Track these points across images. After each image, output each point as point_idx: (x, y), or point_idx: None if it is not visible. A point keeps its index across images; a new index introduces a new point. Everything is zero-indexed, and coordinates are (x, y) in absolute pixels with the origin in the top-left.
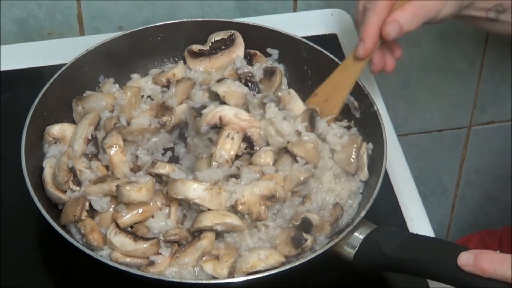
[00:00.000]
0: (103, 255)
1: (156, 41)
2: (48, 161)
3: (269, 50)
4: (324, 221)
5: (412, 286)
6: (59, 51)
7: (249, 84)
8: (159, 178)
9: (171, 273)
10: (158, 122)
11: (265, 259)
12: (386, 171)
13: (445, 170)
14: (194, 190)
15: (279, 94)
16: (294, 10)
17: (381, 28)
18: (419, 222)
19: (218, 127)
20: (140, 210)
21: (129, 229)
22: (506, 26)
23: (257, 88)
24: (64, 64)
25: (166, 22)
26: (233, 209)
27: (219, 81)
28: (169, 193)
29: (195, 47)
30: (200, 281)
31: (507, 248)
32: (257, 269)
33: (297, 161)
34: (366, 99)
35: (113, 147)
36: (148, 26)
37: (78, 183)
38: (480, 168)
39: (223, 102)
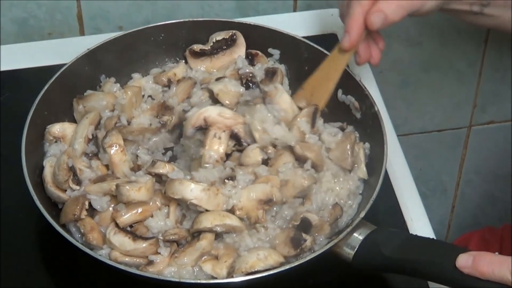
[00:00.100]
0: (102, 254)
1: (157, 40)
2: (49, 160)
3: (270, 50)
4: (324, 222)
5: (412, 286)
6: (59, 51)
7: (250, 84)
8: (159, 178)
9: (170, 273)
10: (159, 122)
11: (264, 259)
12: (386, 171)
13: (445, 170)
14: (192, 191)
15: (266, 89)
16: (294, 10)
17: (366, 18)
18: (419, 222)
19: (204, 128)
20: (140, 210)
21: (128, 228)
22: (490, 20)
23: (258, 89)
24: (64, 64)
25: (167, 22)
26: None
27: (218, 79)
28: (167, 192)
29: (197, 47)
30: (199, 281)
31: (508, 246)
32: (256, 269)
33: (298, 163)
34: (367, 99)
35: (113, 146)
36: (149, 26)
37: (78, 182)
38: (480, 168)
39: (216, 100)
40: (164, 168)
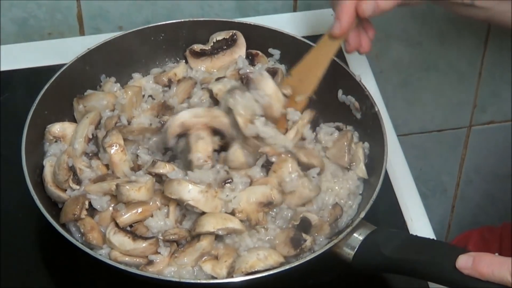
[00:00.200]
0: (102, 254)
1: (157, 40)
2: (49, 159)
3: (270, 50)
4: (324, 222)
5: (412, 286)
6: (59, 51)
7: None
8: (159, 178)
9: (170, 273)
10: (159, 122)
11: (264, 259)
12: (386, 171)
13: (445, 170)
14: (189, 192)
15: (251, 75)
16: (294, 10)
17: (357, 6)
18: (419, 222)
19: (184, 134)
20: (140, 210)
21: (128, 228)
22: (482, 12)
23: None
24: (64, 64)
25: (167, 22)
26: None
27: (218, 79)
28: (165, 192)
29: (197, 47)
30: (198, 281)
31: (507, 245)
32: (256, 269)
33: (302, 168)
34: (367, 100)
35: (113, 146)
36: (149, 26)
37: (78, 182)
38: (480, 168)
39: (216, 100)
40: (164, 168)
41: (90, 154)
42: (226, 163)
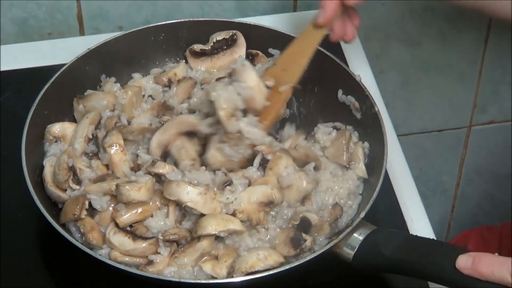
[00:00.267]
0: (102, 254)
1: (157, 40)
2: (49, 159)
3: (270, 50)
4: (324, 221)
5: (412, 286)
6: (59, 51)
7: None
8: (159, 178)
9: (170, 273)
10: (159, 122)
11: (264, 259)
12: (386, 171)
13: (445, 170)
14: (188, 194)
15: (233, 66)
16: (294, 10)
17: None
18: (419, 222)
19: (166, 152)
20: (139, 210)
21: (128, 228)
22: (476, 4)
23: None
24: (64, 64)
25: (167, 22)
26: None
27: (218, 79)
28: (164, 193)
29: (197, 47)
30: (198, 281)
31: (507, 244)
32: (256, 269)
33: (297, 163)
34: (367, 100)
35: (113, 146)
36: (149, 26)
37: (78, 182)
38: (480, 168)
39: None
40: (164, 168)
41: (90, 154)
42: (207, 167)
